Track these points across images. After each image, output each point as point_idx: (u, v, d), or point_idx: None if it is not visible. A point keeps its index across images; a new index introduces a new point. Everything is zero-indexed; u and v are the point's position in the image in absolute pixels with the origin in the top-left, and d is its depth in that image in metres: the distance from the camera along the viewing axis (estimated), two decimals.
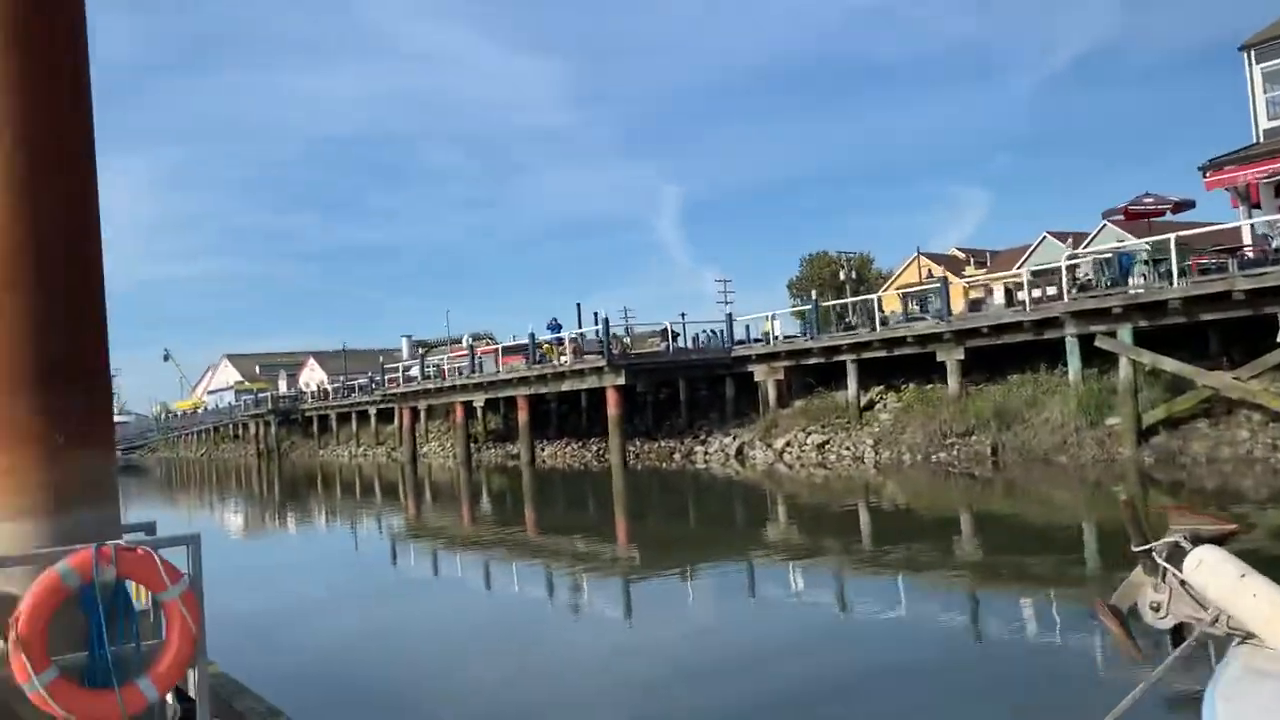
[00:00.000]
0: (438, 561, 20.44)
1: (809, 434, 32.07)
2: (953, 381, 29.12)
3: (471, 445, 45.86)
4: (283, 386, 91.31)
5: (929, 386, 30.73)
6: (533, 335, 40.85)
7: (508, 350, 45.71)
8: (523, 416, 40.10)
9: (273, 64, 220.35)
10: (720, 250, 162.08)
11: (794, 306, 56.60)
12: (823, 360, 32.98)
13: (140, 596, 5.18)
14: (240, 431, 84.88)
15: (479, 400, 45.20)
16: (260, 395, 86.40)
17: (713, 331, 40.07)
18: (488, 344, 52.18)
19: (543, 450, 41.54)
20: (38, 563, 4.77)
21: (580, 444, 41.31)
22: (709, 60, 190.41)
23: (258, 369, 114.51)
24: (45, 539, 5.05)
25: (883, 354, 31.22)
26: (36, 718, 4.91)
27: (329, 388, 75.49)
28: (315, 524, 31.13)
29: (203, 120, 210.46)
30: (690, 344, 39.06)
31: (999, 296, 32.98)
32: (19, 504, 5.01)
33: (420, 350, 71.72)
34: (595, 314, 40.84)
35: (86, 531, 5.13)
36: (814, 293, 35.96)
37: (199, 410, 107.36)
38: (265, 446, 73.85)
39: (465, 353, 48.59)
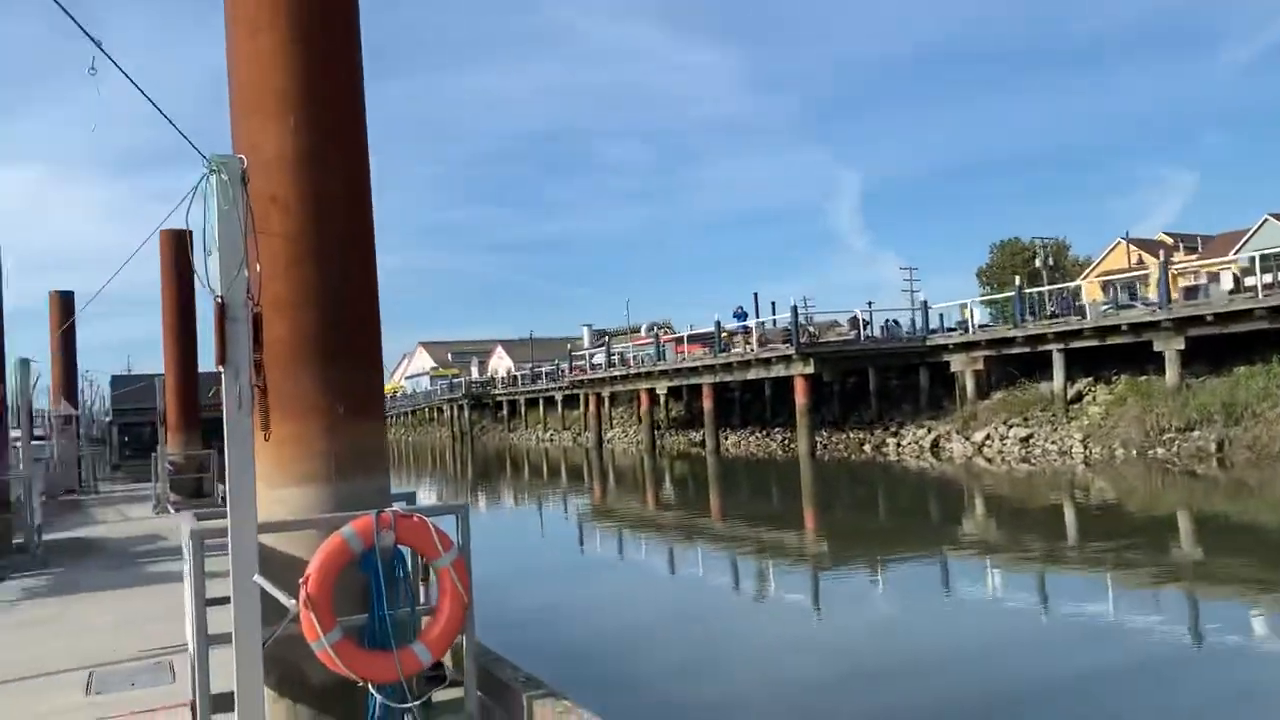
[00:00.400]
0: (622, 543, 20.67)
1: (1010, 427, 30.65)
2: (1171, 373, 27.17)
3: (655, 432, 46.29)
4: (474, 373, 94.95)
5: (1143, 378, 28.80)
6: (718, 323, 40.77)
7: (678, 340, 45.88)
8: (707, 404, 40.14)
9: (460, 65, 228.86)
10: (900, 237, 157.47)
11: (984, 295, 54.22)
12: (1026, 350, 31.44)
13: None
14: (435, 415, 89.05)
15: (663, 388, 45.58)
16: (454, 381, 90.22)
17: (894, 321, 38.95)
18: (665, 332, 52.51)
19: (726, 438, 41.44)
20: (322, 527, 5.01)
21: (765, 433, 40.99)
22: (888, 39, 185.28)
23: (449, 356, 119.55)
24: (326, 504, 5.30)
25: (1093, 343, 29.45)
26: (317, 674, 5.17)
27: (516, 374, 77.96)
28: (504, 503, 32.14)
29: (395, 123, 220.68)
30: (878, 333, 38.05)
31: (1226, 282, 30.52)
32: (303, 470, 5.27)
33: (600, 339, 73.00)
34: (773, 304, 40.40)
35: (362, 499, 5.35)
36: (1017, 279, 34.20)
37: (397, 395, 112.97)
38: (459, 429, 77.13)
39: (647, 341, 48.97)
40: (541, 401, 66.41)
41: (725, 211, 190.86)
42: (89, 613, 10.14)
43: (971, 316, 35.95)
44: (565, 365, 60.85)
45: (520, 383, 73.40)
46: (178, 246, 22.35)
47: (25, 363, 16.27)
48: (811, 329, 39.11)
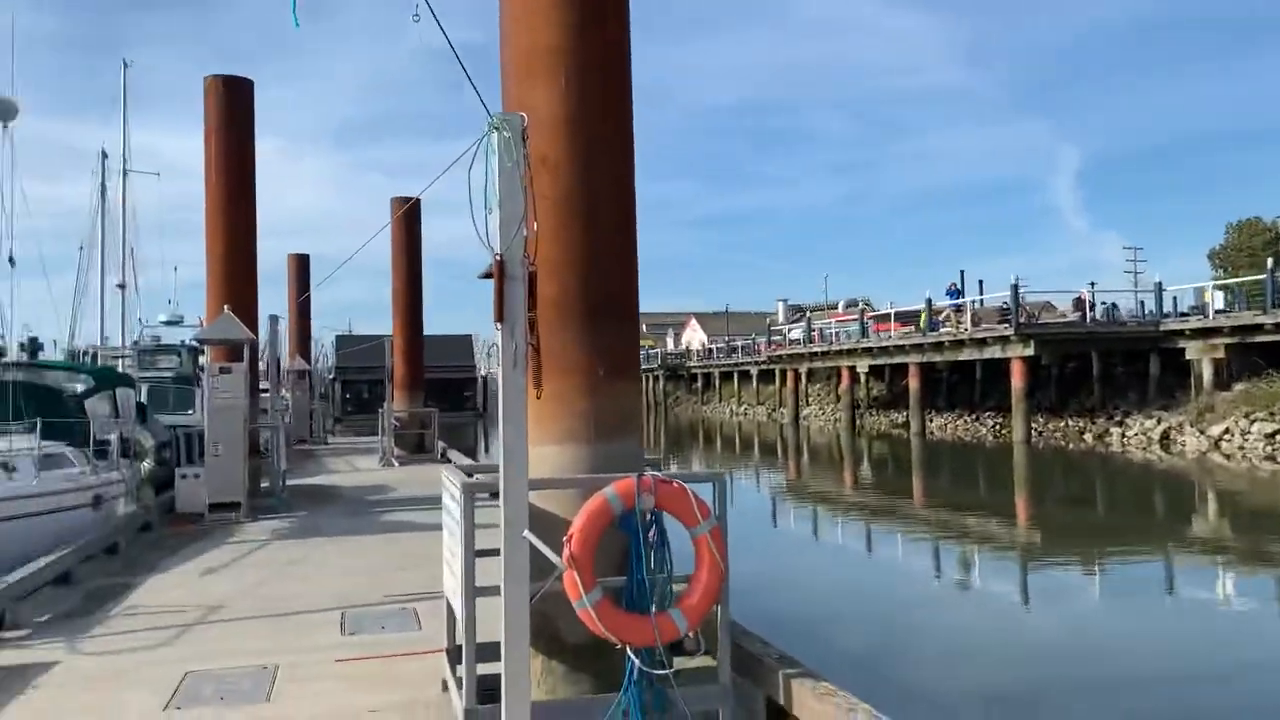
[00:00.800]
0: (817, 522, 20.25)
1: (1254, 421, 28.09)
2: None
3: (855, 411, 45.30)
4: (669, 344, 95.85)
5: None
6: (929, 300, 39.29)
7: (882, 318, 44.52)
8: (914, 384, 38.85)
9: (677, 37, 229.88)
10: (1121, 215, 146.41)
11: (1217, 279, 49.79)
12: (1276, 338, 28.71)
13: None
14: None
15: (864, 366, 44.49)
16: (650, 351, 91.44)
17: (1114, 303, 36.37)
18: (864, 309, 51.17)
19: (931, 421, 40.04)
20: (584, 486, 5.01)
21: (973, 416, 39.33)
22: (1110, 4, 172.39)
23: (645, 327, 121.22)
24: (584, 464, 5.31)
25: None
26: (573, 632, 5.20)
27: (711, 347, 78.12)
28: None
29: None
30: (1101, 316, 35.63)
31: None
32: (562, 429, 5.29)
33: (796, 314, 72.03)
34: (980, 282, 38.35)
35: (618, 460, 5.33)
36: (1270, 261, 31.10)
37: None
38: (653, 399, 78.18)
39: (849, 317, 47.80)
40: (736, 375, 66.28)
41: (930, 187, 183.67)
42: (333, 556, 10.78)
43: (1210, 301, 33.09)
44: (761, 340, 60.39)
45: (715, 356, 73.51)
46: (409, 213, 23.41)
47: (275, 319, 17.51)
48: (1028, 309, 37.09)
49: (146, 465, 16.57)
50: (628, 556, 5.02)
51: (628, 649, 4.76)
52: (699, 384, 74.21)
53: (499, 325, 4.52)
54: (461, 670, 5.34)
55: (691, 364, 78.15)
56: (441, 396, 35.99)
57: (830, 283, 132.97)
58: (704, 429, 54.27)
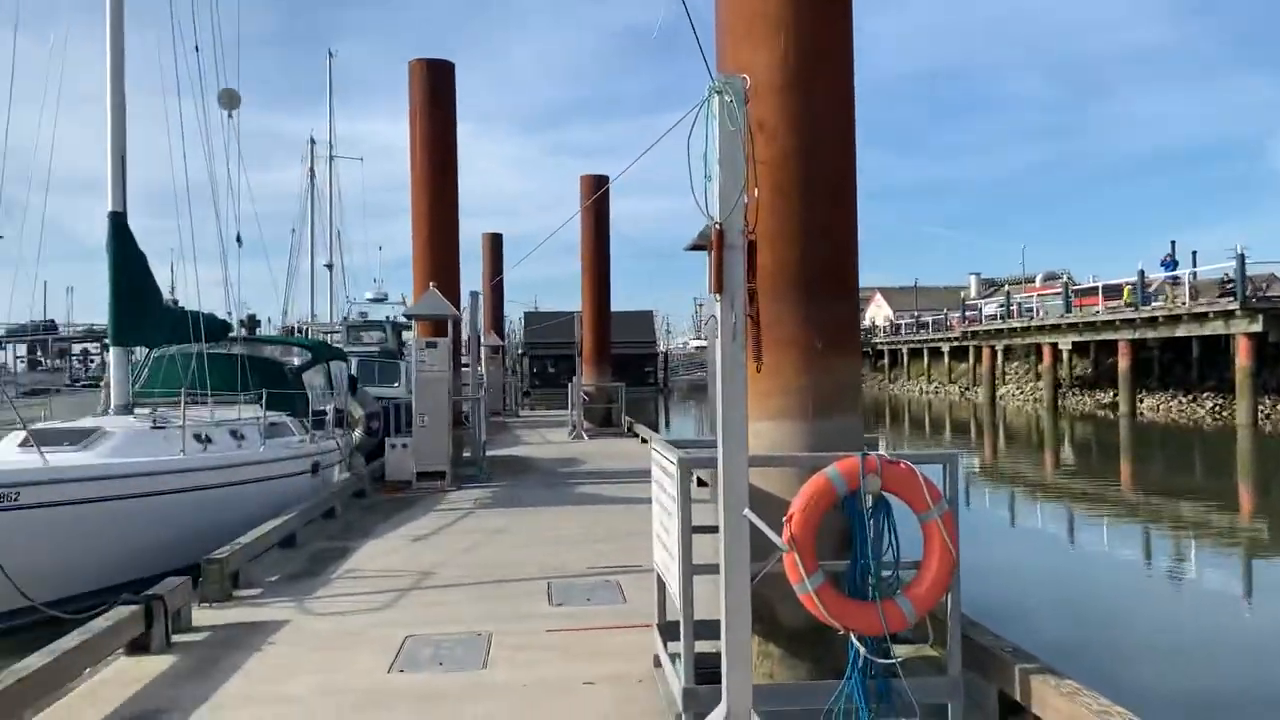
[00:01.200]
0: (1014, 505, 19.19)
1: None
2: None
3: (1057, 390, 42.95)
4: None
5: None
6: (1141, 273, 36.65)
7: (1087, 292, 41.85)
8: (1123, 363, 36.43)
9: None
10: None
11: None
12: None
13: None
14: None
15: (1067, 342, 42.07)
16: None
17: None
18: (1068, 282, 48.28)
19: (1141, 401, 37.48)
20: (804, 465, 4.82)
21: (1189, 397, 36.53)
22: None
23: None
24: (800, 442, 5.11)
25: None
26: (791, 615, 5.04)
27: (898, 322, 75.88)
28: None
29: None
30: None
31: None
32: (779, 405, 5.11)
33: (989, 288, 68.92)
34: (1194, 253, 35.37)
35: (837, 438, 5.10)
36: None
37: None
38: None
39: (1047, 291, 45.26)
40: (926, 352, 64.10)
41: (1139, 151, 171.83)
42: (534, 526, 11.01)
43: None
44: (954, 315, 58.10)
45: (903, 332, 71.35)
46: (596, 190, 23.68)
47: (475, 295, 18.08)
48: (1254, 282, 34.04)
49: (357, 435, 17.49)
50: (848, 539, 4.81)
51: (851, 636, 4.55)
52: (885, 361, 72.25)
53: (717, 297, 4.39)
54: (674, 647, 5.29)
55: (877, 340, 76.15)
56: (623, 371, 36.50)
57: (1027, 255, 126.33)
58: (890, 407, 52.81)
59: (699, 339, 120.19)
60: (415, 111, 16.34)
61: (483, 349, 32.44)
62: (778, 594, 4.85)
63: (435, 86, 16.38)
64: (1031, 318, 44.96)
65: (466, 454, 16.42)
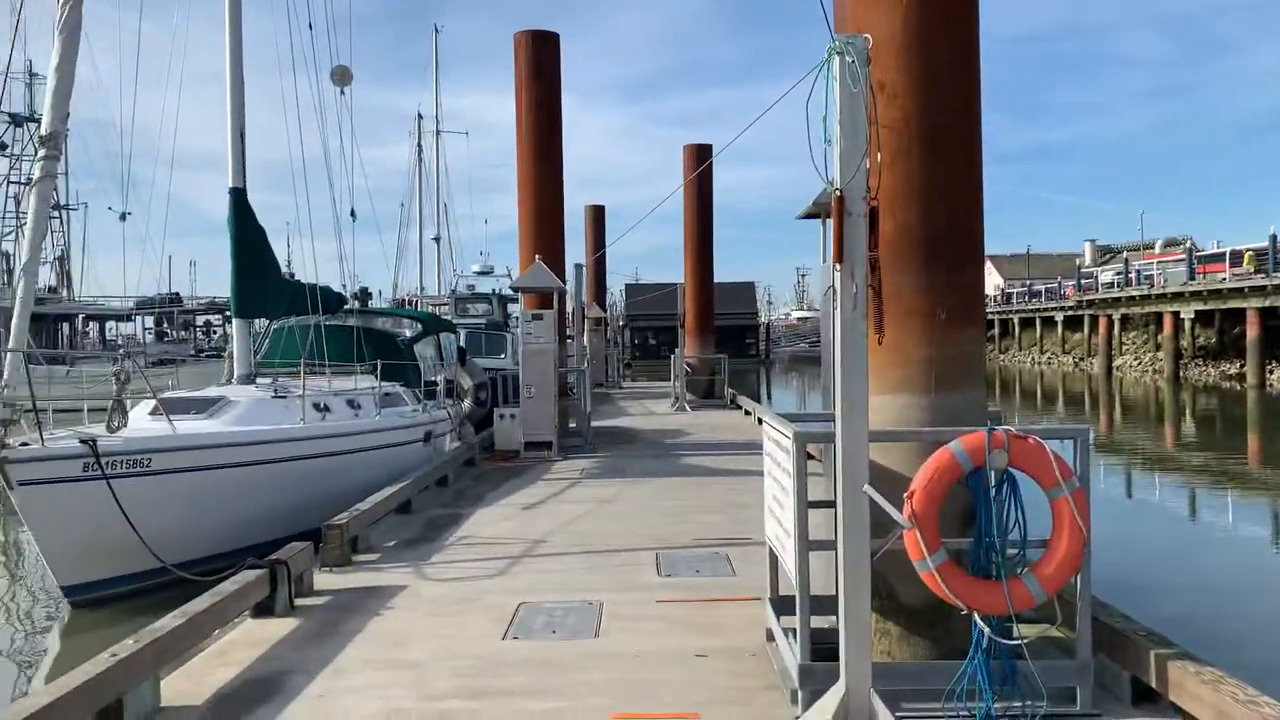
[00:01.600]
0: (1131, 480, 18.40)
1: None
2: None
3: (1178, 360, 41.11)
4: None
5: None
6: (1274, 238, 34.69)
7: (1212, 258, 39.82)
8: (1252, 332, 34.64)
9: None
10: None
11: None
12: None
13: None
14: None
15: (1189, 312, 40.19)
16: None
17: None
18: (1191, 248, 46.05)
19: (1271, 373, 35.60)
20: (926, 440, 4.67)
21: None
22: None
23: None
24: (921, 416, 4.96)
25: None
26: (910, 594, 4.92)
27: (1009, 291, 73.64)
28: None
29: None
30: None
31: None
32: (898, 378, 4.96)
33: (1105, 255, 66.32)
34: None
35: (959, 413, 4.93)
36: None
37: None
38: None
39: (1168, 258, 43.24)
40: (1039, 321, 62.08)
41: (1260, 110, 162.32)
42: (640, 497, 11.04)
43: None
44: (1069, 283, 56.06)
45: (1014, 301, 69.22)
46: (701, 161, 23.48)
47: (579, 267, 18.15)
48: None
49: (466, 405, 17.81)
50: (969, 516, 4.66)
51: (975, 615, 4.41)
52: (995, 331, 70.22)
53: (837, 266, 4.26)
54: (787, 622, 5.22)
55: (987, 309, 74.05)
56: (724, 343, 36.33)
57: (1146, 220, 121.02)
58: (1001, 378, 51.32)
59: (801, 310, 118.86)
60: (521, 84, 16.40)
61: (586, 321, 32.70)
62: (896, 571, 4.75)
63: (540, 58, 16.40)
64: (1151, 285, 43.07)
65: (572, 425, 16.57)
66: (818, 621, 4.80)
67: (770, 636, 5.57)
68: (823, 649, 4.73)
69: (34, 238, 8.98)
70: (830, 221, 6.20)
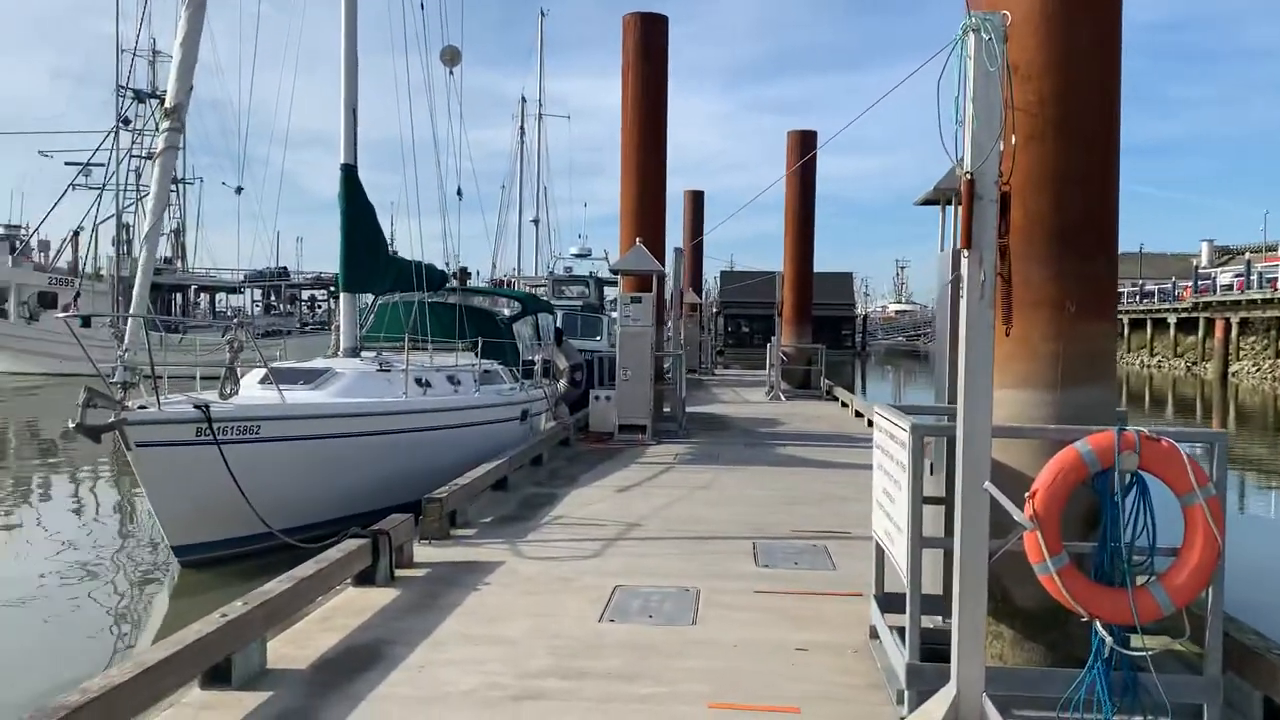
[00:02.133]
0: (1244, 491, 17.50)
1: None
2: None
3: None
4: None
5: None
6: None
7: None
8: None
9: None
10: None
11: None
12: None
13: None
14: None
15: None
16: None
17: None
18: None
19: None
20: (1052, 437, 4.47)
21: None
22: None
23: None
24: (1045, 412, 4.74)
25: None
26: (1026, 597, 4.71)
27: (1119, 290, 71.06)
28: None
29: None
30: None
31: None
32: (1022, 372, 4.76)
33: (1223, 256, 63.48)
34: None
35: (1087, 411, 4.71)
36: None
37: None
38: None
39: None
40: (1149, 323, 59.72)
41: None
42: (735, 484, 10.92)
43: None
44: (1185, 284, 53.77)
45: (1124, 301, 66.72)
46: (805, 148, 23.14)
47: (679, 252, 18.05)
48: None
49: (561, 385, 17.92)
50: (1092, 520, 4.44)
51: (1096, 623, 4.20)
52: None
53: (965, 253, 4.08)
54: (893, 619, 5.07)
55: None
56: (819, 333, 35.88)
57: (1269, 220, 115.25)
58: None
59: (899, 303, 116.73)
60: (628, 66, 16.35)
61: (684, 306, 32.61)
62: (1011, 572, 4.56)
63: (648, 41, 16.32)
64: (1275, 289, 41.01)
65: (666, 409, 16.51)
66: (924, 621, 4.64)
67: (874, 633, 5.43)
68: (929, 649, 4.58)
69: (156, 207, 9.26)
70: (953, 208, 6.01)
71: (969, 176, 4.01)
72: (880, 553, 5.37)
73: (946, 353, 5.65)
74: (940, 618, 5.14)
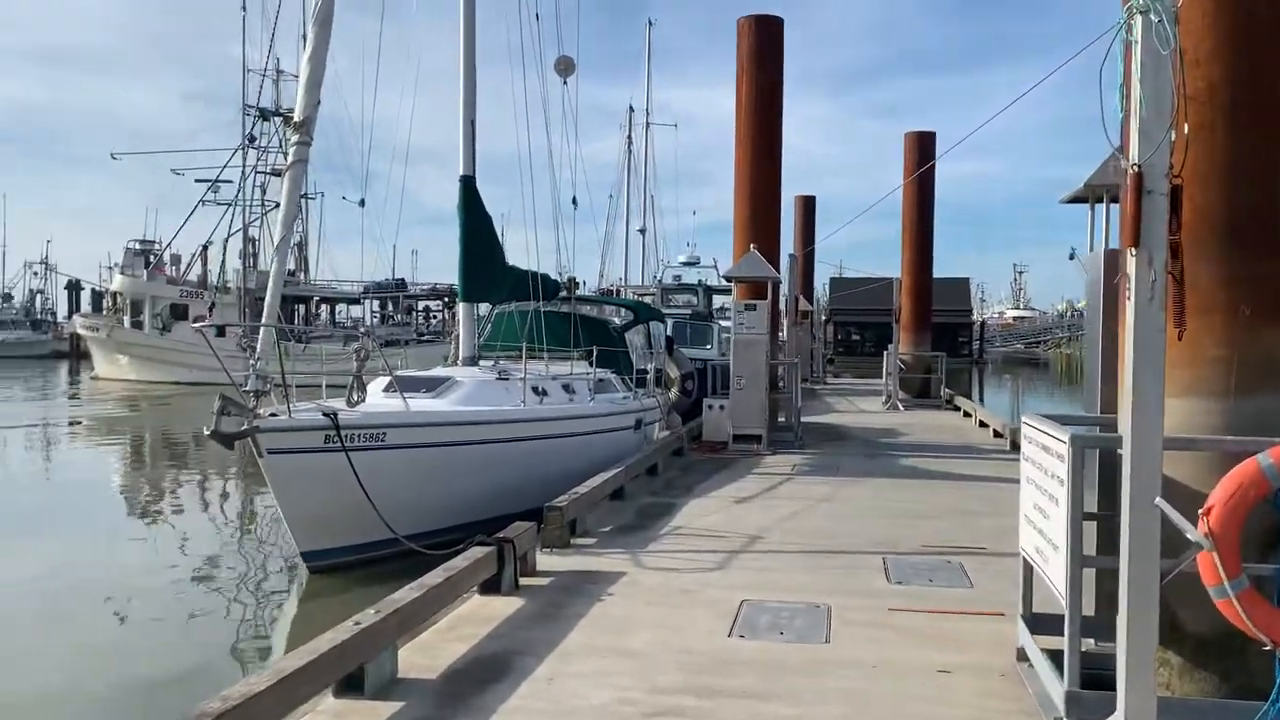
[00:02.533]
0: None
1: None
2: None
3: None
4: None
5: None
6: None
7: None
8: None
9: None
10: None
11: None
12: None
13: None
14: None
15: None
16: None
17: None
18: None
19: None
20: (1229, 450, 4.14)
21: None
22: None
23: None
24: (1215, 423, 4.40)
25: None
26: (1196, 621, 4.38)
27: None
28: None
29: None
30: None
31: None
32: (1190, 379, 4.42)
33: None
34: None
35: (1260, 422, 4.35)
36: None
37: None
38: None
39: None
40: None
41: None
42: (859, 496, 10.62)
43: None
44: None
45: None
46: (922, 151, 22.58)
47: (793, 259, 17.78)
48: None
49: (673, 394, 17.82)
50: (1274, 539, 4.10)
51: (1277, 653, 3.86)
52: None
53: (1133, 251, 3.80)
54: (1044, 642, 4.78)
55: None
56: (936, 341, 34.98)
57: None
58: None
59: (1016, 308, 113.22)
60: (742, 70, 16.16)
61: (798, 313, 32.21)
62: (1179, 595, 4.23)
63: (762, 45, 16.11)
64: None
65: (780, 419, 16.24)
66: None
67: (1021, 655, 5.12)
68: (1086, 675, 4.29)
69: (286, 219, 9.51)
70: (1103, 206, 5.68)
71: (1136, 169, 3.74)
72: (1029, 571, 5.08)
73: (1098, 360, 5.32)
74: (1094, 640, 4.82)
